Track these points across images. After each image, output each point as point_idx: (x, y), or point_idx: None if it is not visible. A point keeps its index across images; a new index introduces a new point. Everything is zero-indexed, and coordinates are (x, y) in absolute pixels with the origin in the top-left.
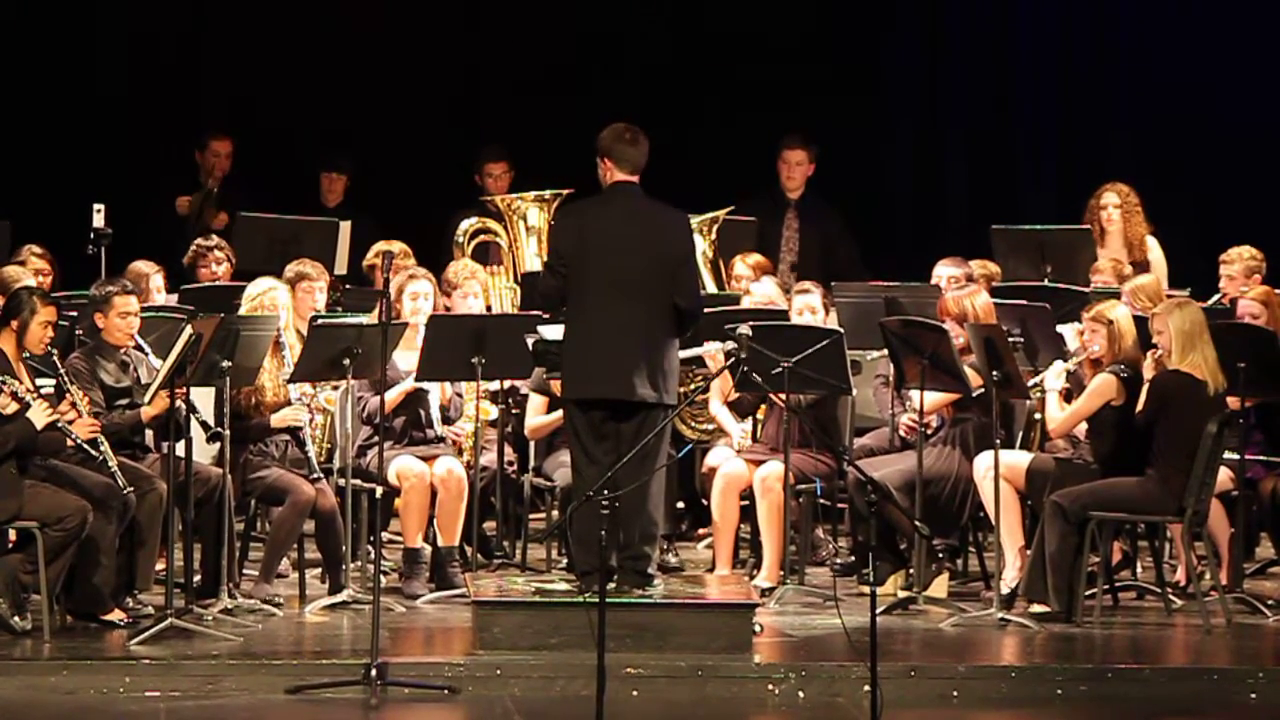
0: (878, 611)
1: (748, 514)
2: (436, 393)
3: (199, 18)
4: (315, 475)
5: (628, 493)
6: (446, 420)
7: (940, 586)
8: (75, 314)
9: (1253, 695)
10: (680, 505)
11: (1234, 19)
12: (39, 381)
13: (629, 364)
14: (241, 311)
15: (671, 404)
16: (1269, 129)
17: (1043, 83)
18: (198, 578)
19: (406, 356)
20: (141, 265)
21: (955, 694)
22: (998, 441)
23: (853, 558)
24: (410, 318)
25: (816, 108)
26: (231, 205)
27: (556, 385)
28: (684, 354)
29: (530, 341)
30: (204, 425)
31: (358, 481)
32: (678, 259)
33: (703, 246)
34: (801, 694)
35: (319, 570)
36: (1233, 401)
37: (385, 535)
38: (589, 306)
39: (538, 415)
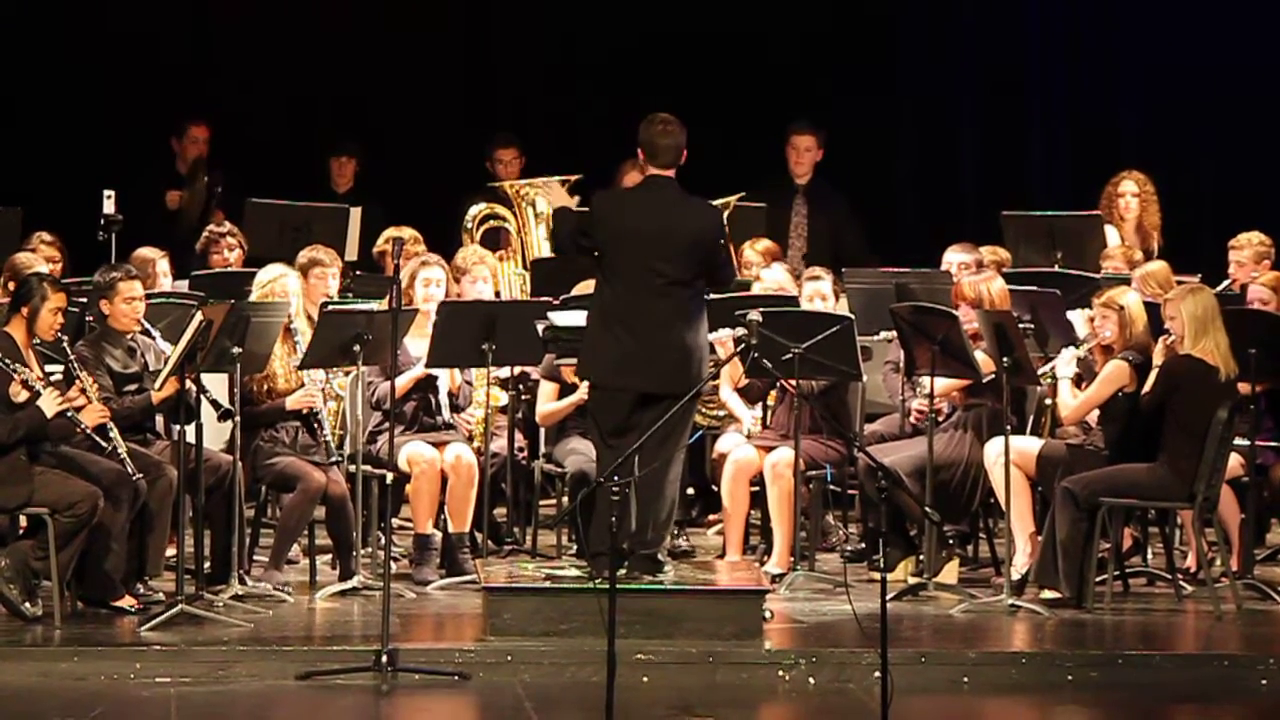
0: (888, 598)
1: (758, 500)
2: (445, 380)
3: (208, 1)
4: (333, 459)
5: (644, 477)
6: (455, 408)
7: (950, 573)
8: (85, 300)
9: (1263, 681)
10: (690, 491)
11: (1245, 2)
12: (48, 368)
13: (659, 357)
14: (252, 298)
15: (700, 391)
16: (1276, 113)
17: (1053, 67)
18: (208, 564)
19: (418, 342)
20: (146, 251)
21: (966, 680)
22: (1009, 428)
23: (863, 544)
24: (422, 304)
25: (826, 93)
26: (221, 194)
27: (567, 372)
28: None
29: (541, 328)
30: (215, 404)
31: (368, 468)
32: (710, 253)
33: None
34: (812, 680)
35: (329, 556)
36: (1243, 387)
37: (395, 521)
38: (619, 297)
39: (549, 402)
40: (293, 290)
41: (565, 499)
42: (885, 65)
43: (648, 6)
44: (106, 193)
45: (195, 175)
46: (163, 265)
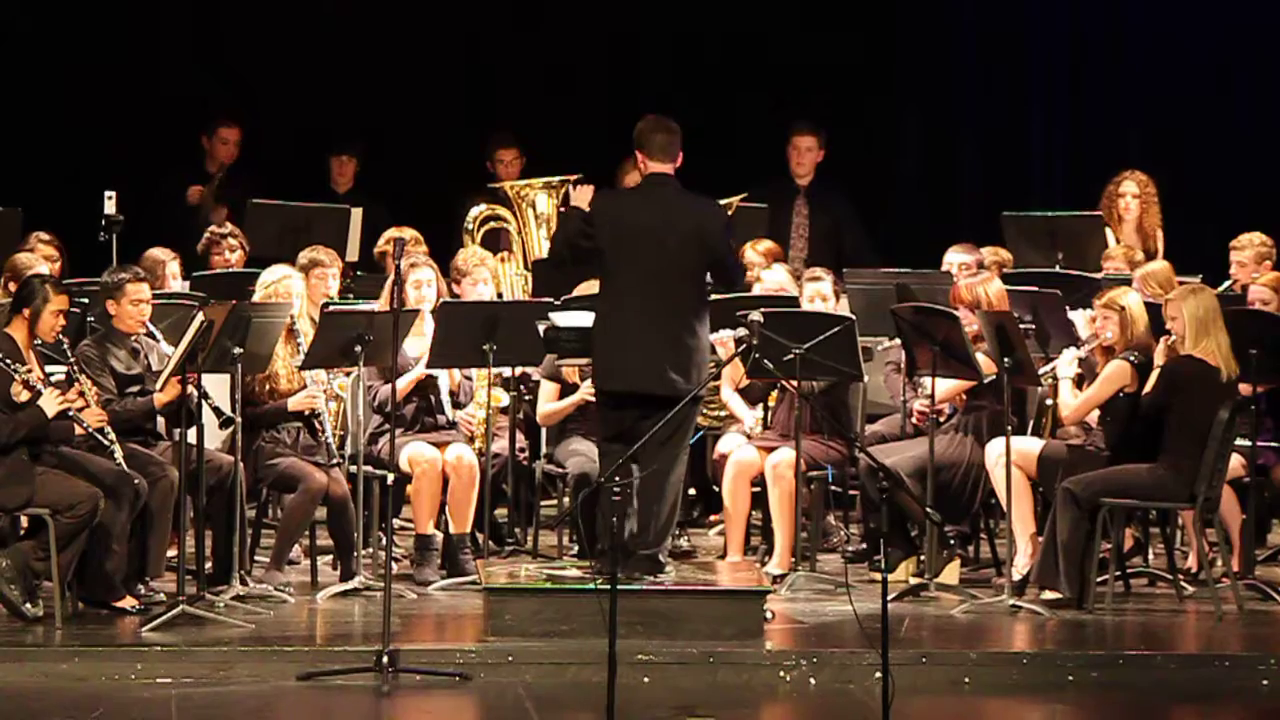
0: (889, 598)
1: (759, 501)
2: (445, 379)
3: (210, 1)
4: (334, 460)
5: (646, 478)
6: (456, 405)
7: (952, 573)
8: (86, 301)
9: (1264, 682)
10: (692, 492)
11: (1247, 3)
12: (48, 369)
13: (665, 358)
14: (255, 298)
15: (701, 394)
16: (1276, 115)
17: (1054, 67)
18: (209, 565)
19: (415, 343)
20: (157, 252)
21: (967, 681)
22: (1009, 428)
23: (864, 544)
24: (414, 305)
25: (826, 92)
26: (234, 194)
27: (568, 372)
28: None
29: (542, 328)
30: (217, 411)
31: (369, 468)
32: (716, 250)
33: None
34: (813, 681)
35: (330, 557)
36: (1244, 388)
37: (397, 522)
38: (624, 298)
39: (550, 402)
40: (297, 292)
41: (566, 499)
42: (885, 65)
43: (648, 6)
44: (107, 193)
45: (218, 177)
46: (173, 267)
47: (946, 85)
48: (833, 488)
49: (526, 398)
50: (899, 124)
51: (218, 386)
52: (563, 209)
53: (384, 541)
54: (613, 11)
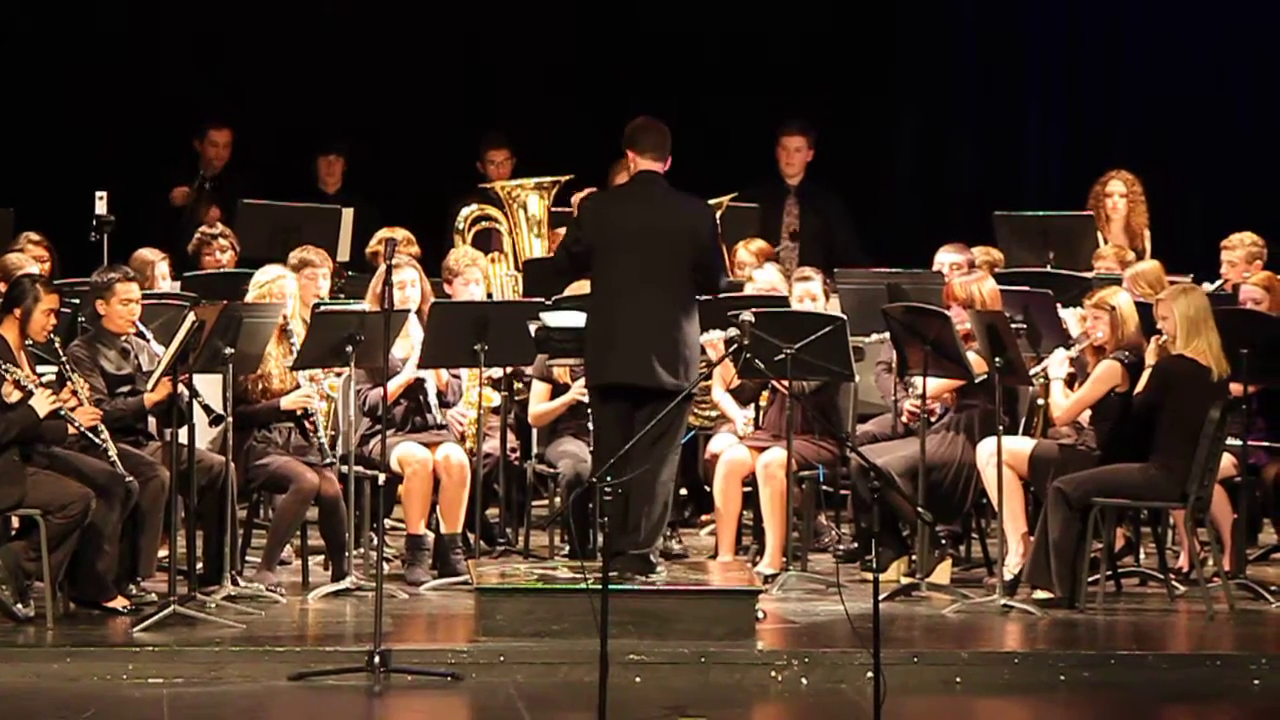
0: (880, 598)
1: (750, 500)
2: (433, 379)
3: (201, 1)
4: (327, 459)
5: (637, 477)
6: (445, 404)
7: (943, 573)
8: (78, 301)
9: (1255, 681)
10: (683, 492)
11: (1246, 3)
12: (39, 369)
13: (651, 351)
14: (249, 298)
15: (693, 393)
16: (1272, 116)
17: (1049, 67)
18: (200, 565)
19: (400, 344)
20: (147, 252)
21: (958, 680)
22: (1001, 428)
23: (855, 544)
24: (398, 306)
25: (823, 92)
26: (227, 195)
27: (560, 372)
28: None
29: (533, 328)
30: (206, 409)
31: (360, 468)
32: (702, 249)
33: None
34: (804, 681)
35: (322, 557)
36: (1235, 388)
37: (388, 522)
38: (612, 294)
39: (541, 402)
40: (290, 292)
41: (558, 500)
42: (883, 65)
43: (647, 6)
44: (99, 194)
45: (201, 179)
46: (162, 268)
47: (945, 85)
48: (824, 487)
49: (518, 397)
50: (896, 123)
51: (209, 386)
52: (555, 209)
53: (375, 542)
54: (612, 11)
